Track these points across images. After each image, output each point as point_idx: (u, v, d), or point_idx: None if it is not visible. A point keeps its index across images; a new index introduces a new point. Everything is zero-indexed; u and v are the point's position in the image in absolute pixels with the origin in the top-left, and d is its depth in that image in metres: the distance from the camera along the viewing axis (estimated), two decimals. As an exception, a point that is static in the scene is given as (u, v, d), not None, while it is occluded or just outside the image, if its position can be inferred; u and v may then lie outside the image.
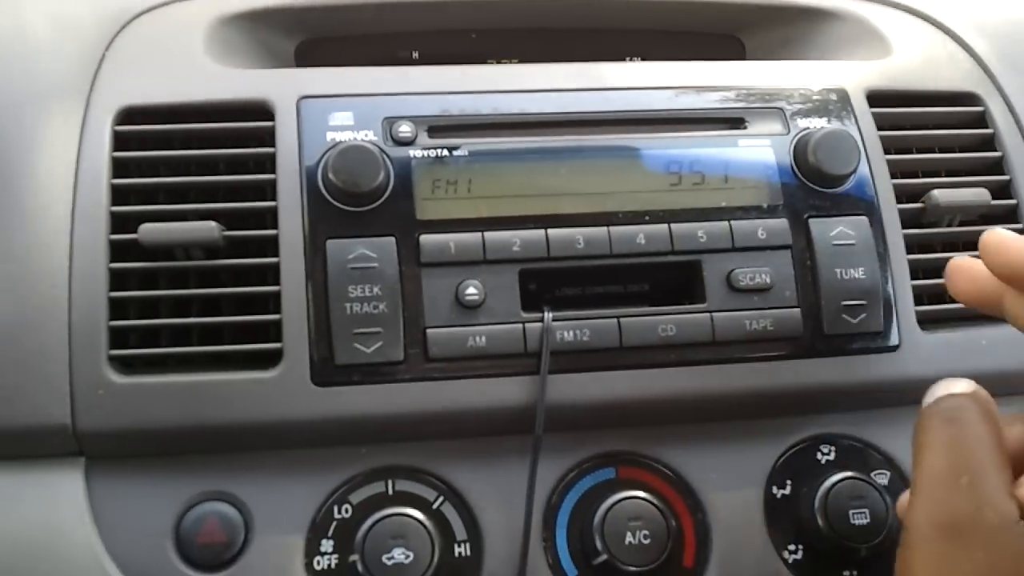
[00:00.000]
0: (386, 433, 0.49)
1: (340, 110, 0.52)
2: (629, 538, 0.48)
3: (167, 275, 0.50)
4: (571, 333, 0.49)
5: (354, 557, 0.47)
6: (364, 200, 0.50)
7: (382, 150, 0.50)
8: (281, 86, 0.53)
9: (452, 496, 0.50)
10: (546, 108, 0.54)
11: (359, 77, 0.55)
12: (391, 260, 0.49)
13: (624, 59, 0.70)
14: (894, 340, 0.52)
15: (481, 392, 0.49)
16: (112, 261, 0.49)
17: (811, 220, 0.52)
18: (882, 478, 0.52)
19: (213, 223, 0.49)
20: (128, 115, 0.52)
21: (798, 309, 0.51)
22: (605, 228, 0.51)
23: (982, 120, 0.59)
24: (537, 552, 0.50)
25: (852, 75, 0.58)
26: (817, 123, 0.55)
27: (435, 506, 0.50)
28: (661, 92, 0.55)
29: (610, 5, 0.68)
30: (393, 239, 0.49)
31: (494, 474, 0.50)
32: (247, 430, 0.48)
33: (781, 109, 0.55)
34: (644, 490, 0.50)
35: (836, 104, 0.56)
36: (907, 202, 0.55)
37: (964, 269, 0.43)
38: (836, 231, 0.52)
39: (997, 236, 0.41)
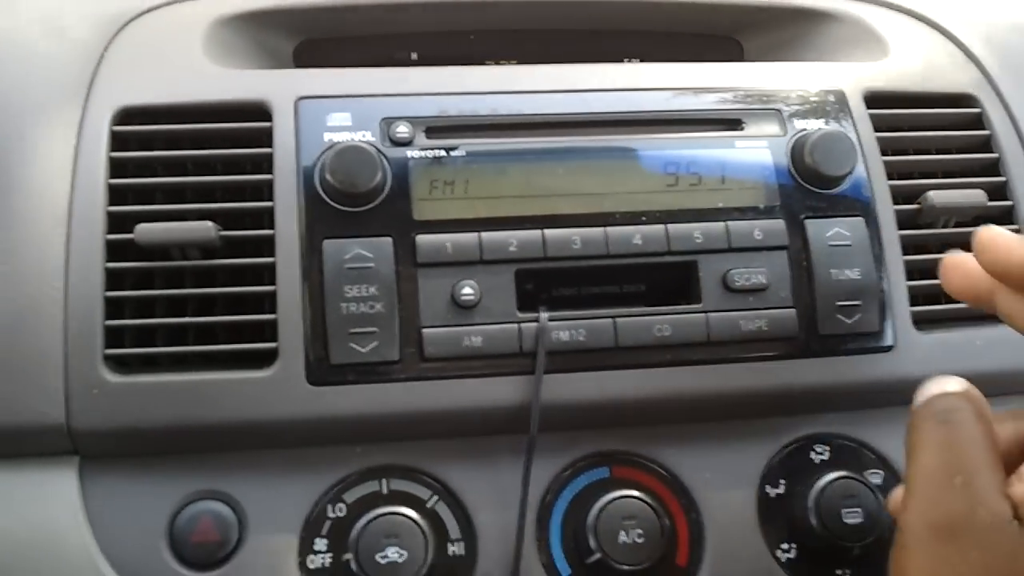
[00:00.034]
0: (381, 432, 0.50)
1: (338, 111, 0.52)
2: (623, 537, 0.48)
3: (163, 275, 0.50)
4: (567, 333, 0.49)
5: (348, 556, 0.47)
6: (361, 200, 0.50)
7: (379, 151, 0.50)
8: (279, 87, 0.53)
9: (446, 495, 0.50)
10: (544, 109, 0.54)
11: (357, 78, 0.55)
12: (387, 260, 0.49)
13: (622, 60, 0.70)
14: (889, 340, 0.52)
15: (476, 392, 0.49)
16: (108, 261, 0.49)
17: (807, 221, 0.52)
18: (876, 478, 0.52)
19: (210, 223, 0.49)
20: (126, 115, 0.52)
21: (793, 309, 0.51)
22: (602, 228, 0.51)
23: (979, 122, 0.59)
24: (531, 551, 0.50)
25: (849, 77, 0.58)
26: (814, 124, 0.55)
27: (429, 505, 0.50)
28: (659, 93, 0.55)
29: (608, 6, 0.68)
30: (390, 239, 0.49)
31: (488, 473, 0.50)
32: (242, 429, 0.48)
33: (778, 110, 0.55)
34: (638, 489, 0.50)
35: (833, 105, 0.56)
36: (903, 203, 0.55)
37: (958, 265, 0.43)
38: (832, 232, 0.52)
39: (990, 234, 0.41)
